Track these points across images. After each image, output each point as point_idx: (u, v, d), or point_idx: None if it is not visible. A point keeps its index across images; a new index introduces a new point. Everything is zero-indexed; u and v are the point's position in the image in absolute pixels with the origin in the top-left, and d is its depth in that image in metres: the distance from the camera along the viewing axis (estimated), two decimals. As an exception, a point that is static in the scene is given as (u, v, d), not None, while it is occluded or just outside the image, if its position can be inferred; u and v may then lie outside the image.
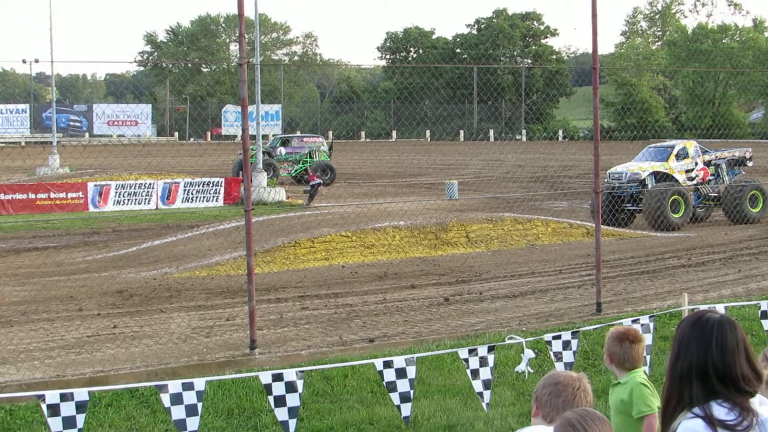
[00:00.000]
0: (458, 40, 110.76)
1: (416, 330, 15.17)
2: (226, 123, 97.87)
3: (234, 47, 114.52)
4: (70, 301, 18.06)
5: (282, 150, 50.42)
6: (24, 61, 65.15)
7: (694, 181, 31.13)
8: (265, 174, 39.54)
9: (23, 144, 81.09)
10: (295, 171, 50.00)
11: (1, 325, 16.03)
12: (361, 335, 14.76)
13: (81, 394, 7.51)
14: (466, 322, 15.76)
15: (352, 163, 60.06)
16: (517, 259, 23.40)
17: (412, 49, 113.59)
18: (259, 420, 10.00)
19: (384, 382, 8.81)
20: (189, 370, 12.01)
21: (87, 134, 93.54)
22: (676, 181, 30.79)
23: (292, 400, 8.26)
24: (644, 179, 30.54)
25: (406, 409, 8.76)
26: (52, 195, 36.36)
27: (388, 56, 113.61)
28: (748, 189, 30.79)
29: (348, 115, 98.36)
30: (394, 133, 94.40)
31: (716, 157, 32.26)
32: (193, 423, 7.88)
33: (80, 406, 7.49)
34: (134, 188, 37.57)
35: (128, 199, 37.05)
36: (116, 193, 37.05)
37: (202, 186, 38.48)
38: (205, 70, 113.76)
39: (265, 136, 54.95)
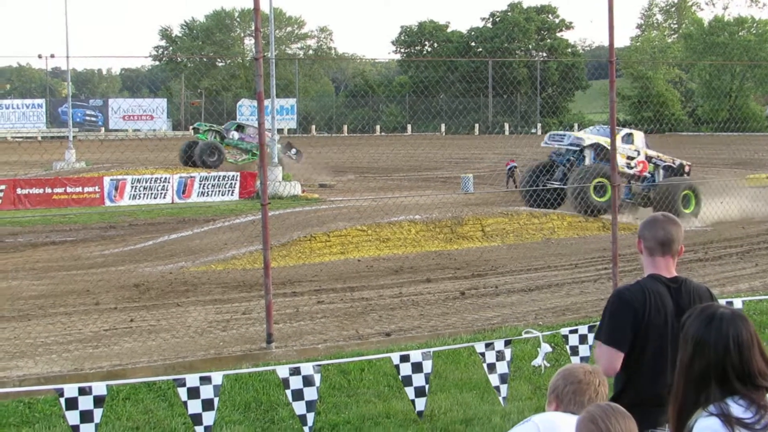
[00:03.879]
0: (473, 33, 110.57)
1: (432, 324, 15.17)
2: (242, 117, 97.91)
3: (248, 41, 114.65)
4: (87, 295, 18.12)
5: (235, 134, 49.58)
6: (40, 56, 65.53)
7: (632, 171, 30.16)
8: (280, 168, 39.49)
9: (40, 139, 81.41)
10: (242, 160, 49.30)
11: (19, 318, 16.09)
12: (377, 329, 14.77)
13: (99, 388, 7.54)
14: (482, 316, 15.75)
15: (368, 157, 60.10)
16: (532, 253, 23.39)
17: (426, 42, 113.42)
18: (276, 413, 10.01)
19: (400, 377, 8.83)
20: (206, 364, 12.03)
21: (103, 129, 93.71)
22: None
23: (310, 393, 8.28)
24: (584, 149, 29.62)
25: (421, 404, 8.77)
26: (69, 189, 36.49)
27: (402, 50, 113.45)
28: (681, 188, 29.58)
29: (363, 109, 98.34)
30: (409, 127, 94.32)
31: (658, 156, 31.38)
32: (209, 417, 7.91)
33: (98, 400, 7.52)
34: (150, 182, 37.68)
35: (144, 194, 37.17)
36: (132, 187, 37.18)
37: (218, 180, 38.56)
38: (220, 64, 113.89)
39: (280, 130, 54.80)
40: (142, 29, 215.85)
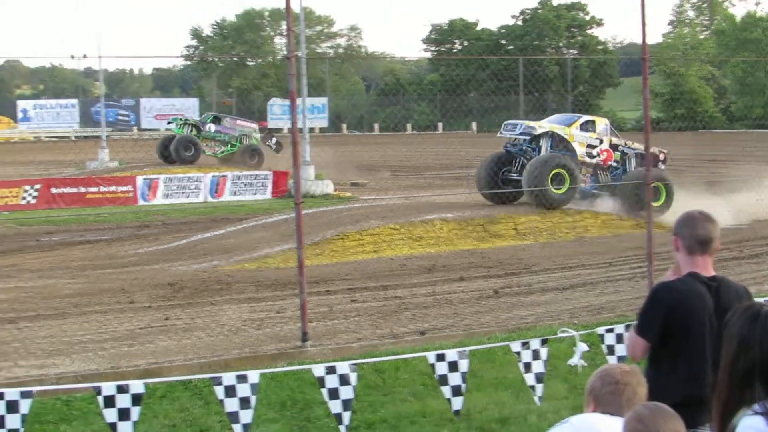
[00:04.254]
0: (503, 31, 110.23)
1: (466, 323, 15.16)
2: (273, 116, 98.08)
3: (278, 40, 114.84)
4: (122, 294, 18.21)
5: (212, 127, 48.33)
6: (72, 57, 65.75)
7: (594, 160, 28.35)
8: (312, 167, 39.46)
9: (73, 138, 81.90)
10: (221, 153, 48.25)
11: (55, 317, 16.21)
12: (411, 328, 14.77)
13: (137, 386, 7.59)
14: (516, 315, 15.73)
15: (399, 155, 60.08)
16: (566, 251, 23.31)
17: (457, 40, 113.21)
18: (311, 412, 10.04)
19: (436, 376, 8.82)
20: (241, 363, 12.07)
21: (135, 128, 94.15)
22: (573, 151, 27.92)
23: (346, 392, 8.29)
24: (539, 137, 27.88)
25: (457, 403, 8.76)
26: (102, 189, 36.69)
27: (433, 48, 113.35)
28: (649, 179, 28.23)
29: (394, 108, 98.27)
30: (440, 125, 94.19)
31: (626, 144, 29.11)
32: (246, 415, 7.94)
33: (136, 398, 7.57)
34: (183, 181, 37.83)
35: (177, 193, 37.30)
36: (165, 186, 37.32)
37: (250, 179, 38.64)
38: (250, 63, 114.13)
39: (311, 129, 54.40)
40: (174, 29, 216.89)
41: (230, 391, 7.91)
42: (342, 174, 46.52)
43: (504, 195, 27.36)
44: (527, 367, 9.22)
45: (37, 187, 36.08)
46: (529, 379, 9.23)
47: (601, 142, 28.49)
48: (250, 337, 14.37)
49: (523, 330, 13.82)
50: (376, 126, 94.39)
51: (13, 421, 7.41)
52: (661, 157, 29.33)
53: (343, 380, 8.29)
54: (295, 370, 10.52)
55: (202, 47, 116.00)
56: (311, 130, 53.30)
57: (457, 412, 8.77)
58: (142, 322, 15.59)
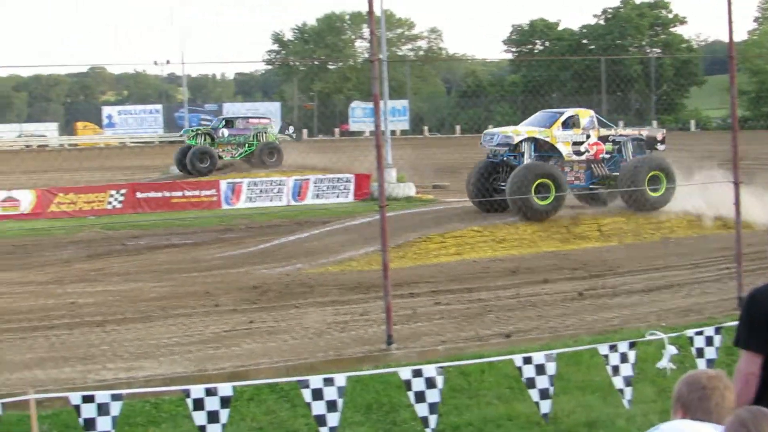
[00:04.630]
0: (585, 30, 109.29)
1: (550, 325, 15.04)
2: (354, 119, 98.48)
3: (359, 44, 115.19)
4: (207, 297, 18.40)
5: (225, 132, 47.34)
6: (155, 63, 66.50)
7: (583, 156, 26.72)
8: (395, 170, 39.45)
9: (157, 143, 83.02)
10: (240, 154, 47.47)
11: (141, 320, 16.43)
12: (495, 330, 14.70)
13: (225, 389, 7.64)
14: (601, 317, 15.57)
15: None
16: (651, 252, 23.01)
17: (538, 41, 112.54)
18: (397, 415, 10.02)
19: (523, 379, 8.76)
20: (327, 365, 12.09)
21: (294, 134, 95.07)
22: (559, 152, 26.54)
23: (432, 395, 8.28)
24: (519, 144, 26.25)
25: (546, 406, 8.70)
26: (187, 193, 37.12)
27: (514, 49, 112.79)
28: (646, 168, 26.00)
29: (475, 109, 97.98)
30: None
31: (616, 133, 27.48)
32: (333, 418, 7.96)
33: (225, 401, 7.62)
34: (266, 185, 38.10)
35: (260, 196, 37.59)
36: (248, 190, 37.62)
37: (333, 182, 38.78)
38: (331, 67, 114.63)
39: (393, 132, 54.13)
40: (255, 34, 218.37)
41: (317, 394, 7.94)
42: (423, 176, 46.43)
43: (493, 204, 26.01)
44: (615, 370, 9.12)
45: (122, 191, 36.66)
46: (617, 382, 9.13)
47: (588, 137, 26.86)
48: (334, 339, 14.42)
49: (609, 332, 13.67)
50: (458, 128, 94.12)
51: (104, 423, 7.51)
52: (659, 136, 27.94)
53: (430, 383, 8.28)
54: (380, 373, 10.53)
55: (283, 51, 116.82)
56: (393, 132, 53.24)
57: (545, 416, 8.71)
58: (227, 325, 15.73)
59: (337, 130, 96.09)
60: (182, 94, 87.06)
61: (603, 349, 9.10)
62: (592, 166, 26.85)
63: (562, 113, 27.33)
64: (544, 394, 8.65)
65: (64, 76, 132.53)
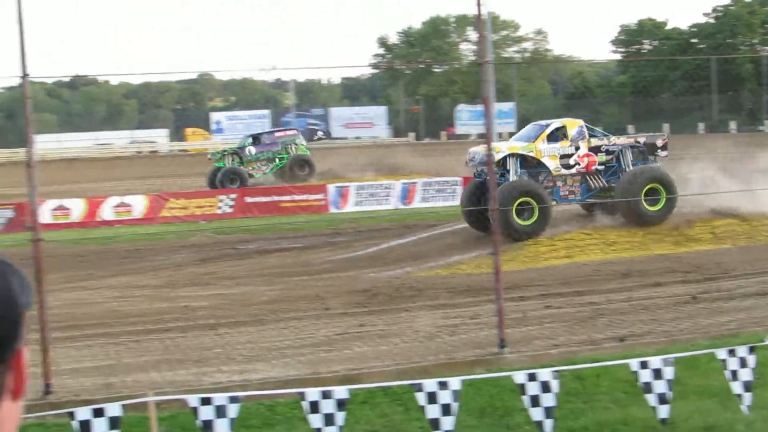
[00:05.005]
0: (694, 29, 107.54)
1: (664, 329, 14.82)
2: (460, 122, 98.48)
3: (464, 47, 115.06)
4: (317, 300, 18.53)
5: (252, 149, 45.91)
6: (262, 70, 67.05)
7: (574, 170, 25.09)
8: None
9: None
10: (271, 170, 46.05)
11: (253, 323, 16.63)
12: (608, 334, 14.54)
13: (341, 392, 7.68)
14: (716, 321, 15.28)
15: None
16: (765, 255, 22.48)
17: (646, 41, 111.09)
18: (511, 419, 9.97)
19: (640, 383, 8.64)
20: (438, 369, 12.08)
21: (325, 137, 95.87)
22: (545, 167, 25.03)
23: (547, 399, 8.21)
24: (505, 160, 24.75)
25: (664, 411, 8.58)
26: (295, 197, 37.42)
27: (621, 49, 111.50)
28: (643, 180, 24.28)
29: (582, 111, 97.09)
30: (631, 128, 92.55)
31: (610, 142, 25.58)
32: (448, 422, 7.95)
33: (340, 404, 7.66)
34: (373, 189, 38.22)
35: (368, 200, 37.71)
36: (356, 194, 37.79)
37: (440, 185, 38.74)
38: (437, 70, 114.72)
39: (500, 134, 53.78)
40: (361, 38, 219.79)
41: (431, 398, 7.94)
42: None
43: (486, 223, 24.08)
44: (734, 374, 8.94)
45: (232, 196, 37.15)
46: (736, 387, 8.95)
47: (578, 148, 25.19)
48: (445, 343, 14.41)
49: (726, 337, 13.41)
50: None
51: (221, 425, 7.62)
52: (659, 143, 26.12)
53: (545, 387, 8.21)
54: (494, 377, 10.48)
55: (389, 55, 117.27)
56: (500, 135, 52.91)
57: (663, 421, 8.57)
58: (338, 329, 15.83)
59: (443, 133, 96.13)
60: (289, 99, 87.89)
61: (721, 353, 8.93)
62: (588, 178, 25.33)
63: (549, 124, 25.92)
64: (661, 398, 8.51)
65: (173, 83, 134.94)
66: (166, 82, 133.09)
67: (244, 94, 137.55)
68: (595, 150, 25.33)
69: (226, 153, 46.78)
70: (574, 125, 25.66)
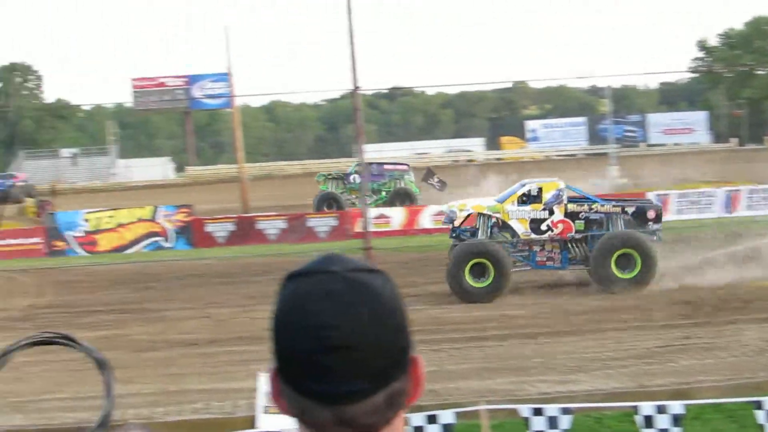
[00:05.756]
0: None
1: None
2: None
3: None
4: (639, 311, 18.22)
5: (357, 177, 41.41)
6: (580, 77, 66.77)
7: (546, 235, 22.77)
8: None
9: (581, 155, 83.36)
10: (373, 202, 41.88)
11: (572, 333, 16.55)
12: None
13: (675, 407, 7.47)
14: None
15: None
16: None
17: None
18: None
19: None
20: (773, 386, 11.58)
21: (643, 144, 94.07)
22: (513, 230, 22.97)
23: None
24: (471, 219, 23.30)
25: None
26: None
27: None
28: (614, 245, 21.77)
29: None
30: None
31: (591, 209, 23.02)
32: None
33: (676, 419, 7.45)
34: (695, 197, 37.35)
35: (689, 208, 36.83)
36: (677, 202, 37.00)
37: (766, 193, 37.30)
38: (760, 72, 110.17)
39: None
40: (680, 41, 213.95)
41: (771, 417, 7.57)
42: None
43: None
44: None
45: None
46: None
47: (551, 213, 22.99)
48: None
49: None
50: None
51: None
52: (651, 215, 23.26)
53: None
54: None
55: (708, 58, 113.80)
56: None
57: None
58: (661, 340, 15.53)
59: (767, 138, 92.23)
60: (605, 105, 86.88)
61: None
62: (570, 245, 23.04)
63: (523, 185, 24.07)
64: None
65: (488, 92, 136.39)
66: (481, 91, 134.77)
67: (559, 101, 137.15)
68: (572, 216, 23.10)
69: (330, 176, 45.65)
70: (551, 188, 23.63)
